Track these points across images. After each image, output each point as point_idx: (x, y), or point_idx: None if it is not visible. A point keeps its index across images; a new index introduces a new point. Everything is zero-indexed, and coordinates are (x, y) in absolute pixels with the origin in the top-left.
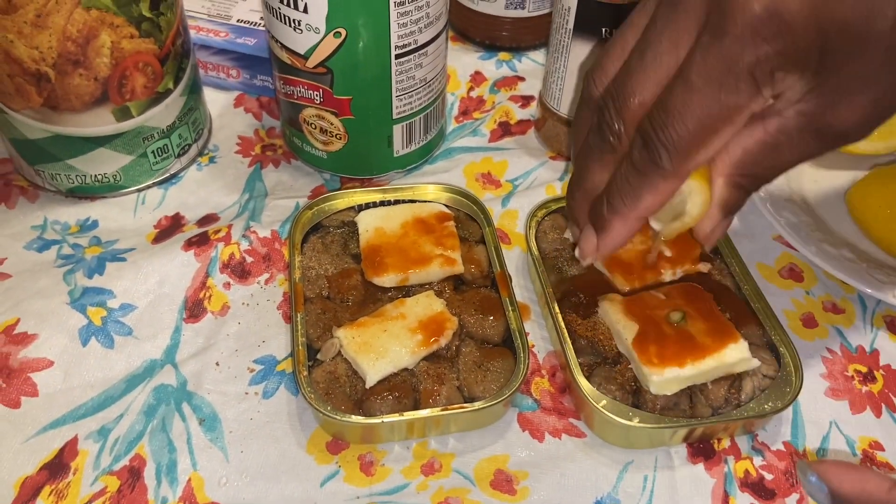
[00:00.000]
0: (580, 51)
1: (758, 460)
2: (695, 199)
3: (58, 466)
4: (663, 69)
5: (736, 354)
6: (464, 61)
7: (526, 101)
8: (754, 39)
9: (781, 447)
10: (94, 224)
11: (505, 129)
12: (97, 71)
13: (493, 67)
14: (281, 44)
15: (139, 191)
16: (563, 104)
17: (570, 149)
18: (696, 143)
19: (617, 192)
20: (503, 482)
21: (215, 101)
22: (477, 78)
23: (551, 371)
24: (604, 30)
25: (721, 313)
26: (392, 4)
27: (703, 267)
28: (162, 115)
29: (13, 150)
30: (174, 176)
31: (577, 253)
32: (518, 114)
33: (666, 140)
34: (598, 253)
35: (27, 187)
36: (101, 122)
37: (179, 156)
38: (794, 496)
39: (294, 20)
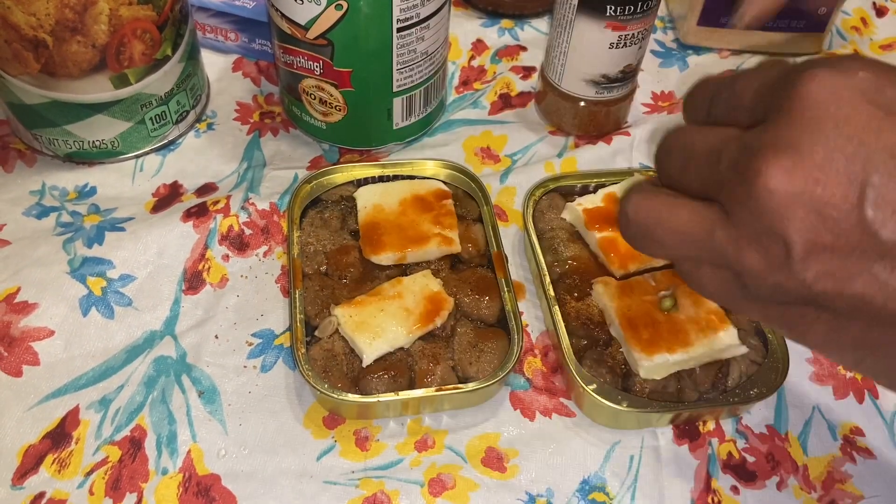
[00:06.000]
0: (584, 27)
1: (741, 443)
2: None
3: (60, 435)
4: None
5: (725, 341)
6: (465, 28)
7: (527, 72)
8: None
9: (765, 431)
10: (93, 191)
11: (505, 101)
12: (95, 38)
13: (495, 35)
14: (281, 13)
15: (137, 157)
16: (565, 79)
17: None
18: None
19: None
20: (494, 459)
21: (213, 64)
22: (479, 46)
23: (544, 350)
24: (608, 7)
25: None
26: None
27: None
28: (160, 81)
29: (10, 114)
30: (172, 142)
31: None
32: (519, 85)
33: None
34: None
35: (25, 151)
36: (98, 90)
37: (177, 122)
38: (775, 479)
39: None
